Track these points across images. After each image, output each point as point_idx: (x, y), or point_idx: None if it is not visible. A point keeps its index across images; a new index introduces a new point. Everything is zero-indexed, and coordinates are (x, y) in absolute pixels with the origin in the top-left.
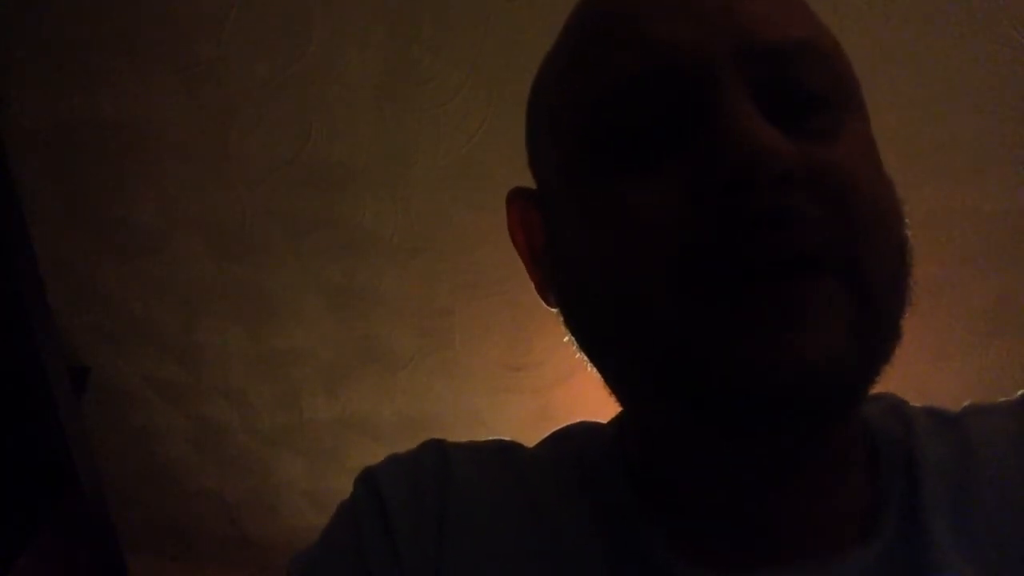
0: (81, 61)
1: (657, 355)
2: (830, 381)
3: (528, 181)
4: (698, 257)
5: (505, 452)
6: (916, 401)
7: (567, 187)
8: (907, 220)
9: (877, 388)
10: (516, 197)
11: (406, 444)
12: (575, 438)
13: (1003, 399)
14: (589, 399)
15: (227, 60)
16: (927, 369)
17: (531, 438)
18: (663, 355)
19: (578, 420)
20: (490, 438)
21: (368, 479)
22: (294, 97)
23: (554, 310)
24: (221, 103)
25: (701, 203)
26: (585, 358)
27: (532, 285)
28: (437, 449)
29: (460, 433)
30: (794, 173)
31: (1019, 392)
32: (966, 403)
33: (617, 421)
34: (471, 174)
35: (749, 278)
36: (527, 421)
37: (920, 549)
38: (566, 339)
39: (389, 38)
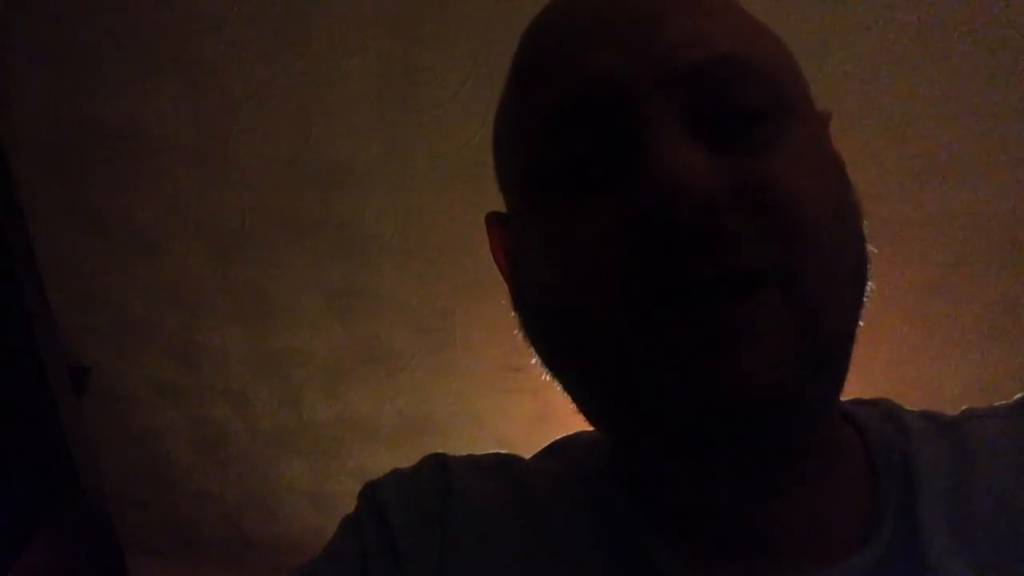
0: (81, 61)
1: (605, 378)
2: (770, 394)
3: None
4: (633, 286)
5: (505, 464)
6: (916, 401)
7: (521, 217)
8: (866, 220)
9: (876, 392)
10: (492, 221)
11: (406, 444)
12: (575, 448)
13: (1001, 402)
14: None
15: (227, 60)
16: (927, 369)
17: (531, 438)
18: (610, 378)
19: (576, 421)
20: (489, 443)
21: (370, 493)
22: (294, 97)
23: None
24: (221, 103)
25: (628, 235)
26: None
27: None
28: (438, 462)
29: (460, 433)
30: (716, 198)
31: (1017, 395)
32: (964, 407)
33: None
34: (471, 174)
35: (681, 300)
36: (527, 421)
37: (918, 553)
38: (533, 361)
39: (389, 38)
